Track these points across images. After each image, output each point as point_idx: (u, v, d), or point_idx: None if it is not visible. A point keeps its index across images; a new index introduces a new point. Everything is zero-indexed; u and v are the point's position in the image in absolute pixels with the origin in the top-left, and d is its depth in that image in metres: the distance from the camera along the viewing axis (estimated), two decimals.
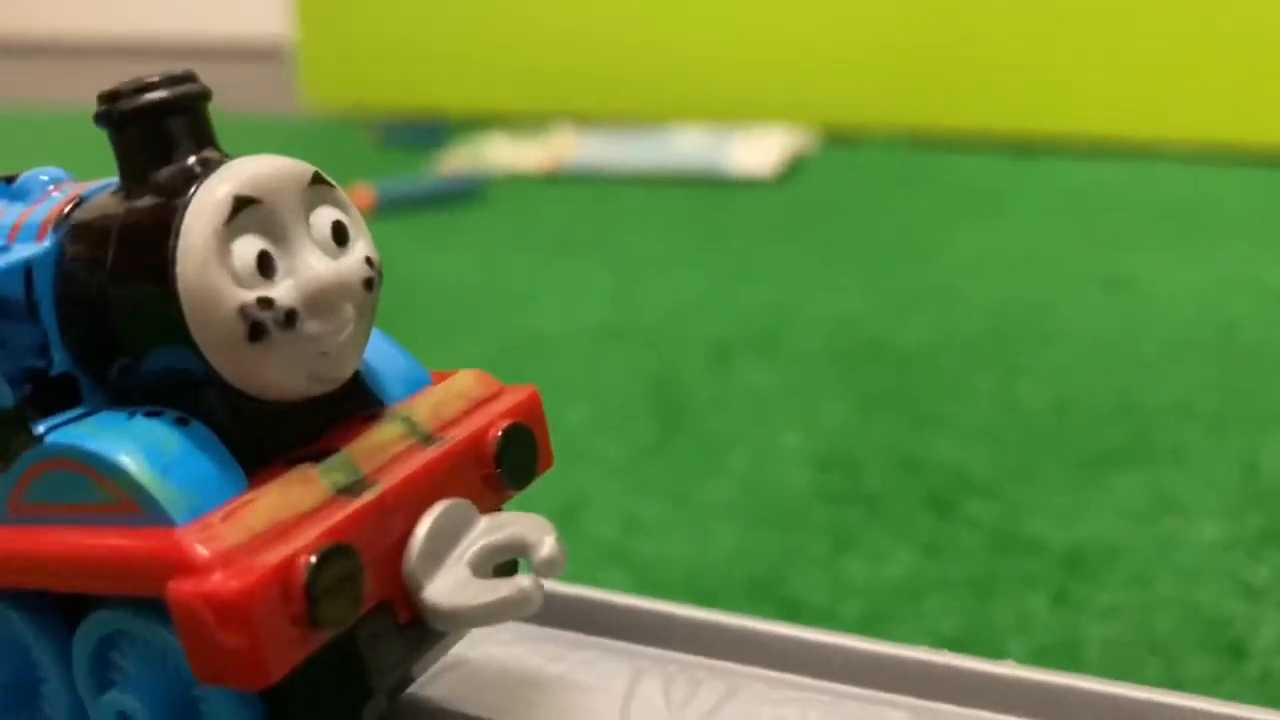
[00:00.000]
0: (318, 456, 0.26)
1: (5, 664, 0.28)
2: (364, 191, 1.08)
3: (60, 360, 0.27)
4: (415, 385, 0.29)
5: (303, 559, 0.23)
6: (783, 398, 0.67)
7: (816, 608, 0.47)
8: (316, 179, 0.26)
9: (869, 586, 0.48)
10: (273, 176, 0.26)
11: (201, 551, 0.23)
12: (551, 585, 0.34)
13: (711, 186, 1.16)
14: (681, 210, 1.09)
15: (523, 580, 0.25)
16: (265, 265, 0.25)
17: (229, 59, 2.00)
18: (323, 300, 0.25)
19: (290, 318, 0.25)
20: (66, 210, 0.27)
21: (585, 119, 1.41)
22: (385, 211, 1.08)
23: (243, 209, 0.25)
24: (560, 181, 1.21)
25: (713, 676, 0.32)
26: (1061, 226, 0.98)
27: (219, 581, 0.22)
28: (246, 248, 0.25)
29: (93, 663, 0.26)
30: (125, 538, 0.24)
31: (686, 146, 1.26)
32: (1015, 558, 0.49)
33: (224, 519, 0.24)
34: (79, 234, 0.26)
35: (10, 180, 0.30)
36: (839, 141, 1.30)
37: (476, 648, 0.34)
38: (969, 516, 0.53)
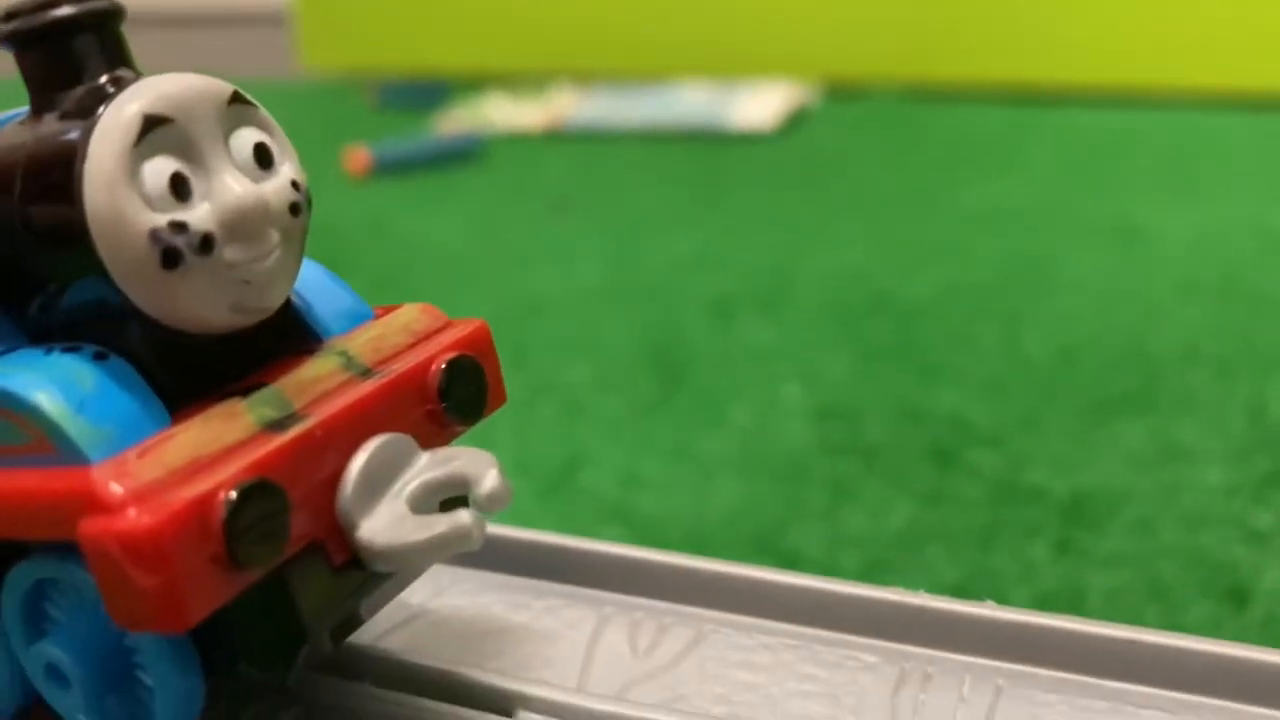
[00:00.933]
0: (247, 391, 0.25)
1: None
2: (361, 154, 1.08)
3: None
4: (356, 320, 0.28)
5: (221, 495, 0.22)
6: (784, 352, 0.67)
7: (816, 560, 0.47)
8: (236, 98, 0.25)
9: (869, 538, 0.48)
10: (187, 94, 0.24)
11: (114, 489, 0.21)
12: (514, 531, 0.34)
13: (713, 142, 1.15)
14: (683, 166, 1.09)
15: (462, 515, 0.24)
16: (179, 187, 0.23)
17: (229, 25, 1.99)
18: (243, 224, 0.24)
19: (206, 242, 0.23)
20: None
21: (585, 77, 1.40)
22: (384, 173, 1.07)
23: (154, 128, 0.23)
24: (560, 140, 1.20)
25: (680, 622, 0.31)
26: (1066, 176, 0.97)
27: (131, 519, 0.21)
28: (158, 169, 0.23)
29: (24, 614, 0.25)
30: (38, 478, 0.23)
31: (687, 102, 1.25)
32: (1017, 507, 0.49)
33: (140, 455, 0.22)
34: None
35: None
36: (841, 94, 1.29)
37: (439, 597, 0.33)
38: (971, 467, 0.53)
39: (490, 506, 0.24)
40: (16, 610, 0.25)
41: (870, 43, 1.32)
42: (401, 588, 0.28)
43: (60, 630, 0.25)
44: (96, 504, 0.21)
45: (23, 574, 0.25)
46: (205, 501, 0.22)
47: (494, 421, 0.61)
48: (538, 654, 0.31)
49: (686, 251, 0.85)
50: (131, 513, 0.21)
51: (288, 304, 0.26)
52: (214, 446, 0.23)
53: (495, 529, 0.34)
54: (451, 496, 0.25)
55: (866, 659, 0.30)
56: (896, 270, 0.78)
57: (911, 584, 0.45)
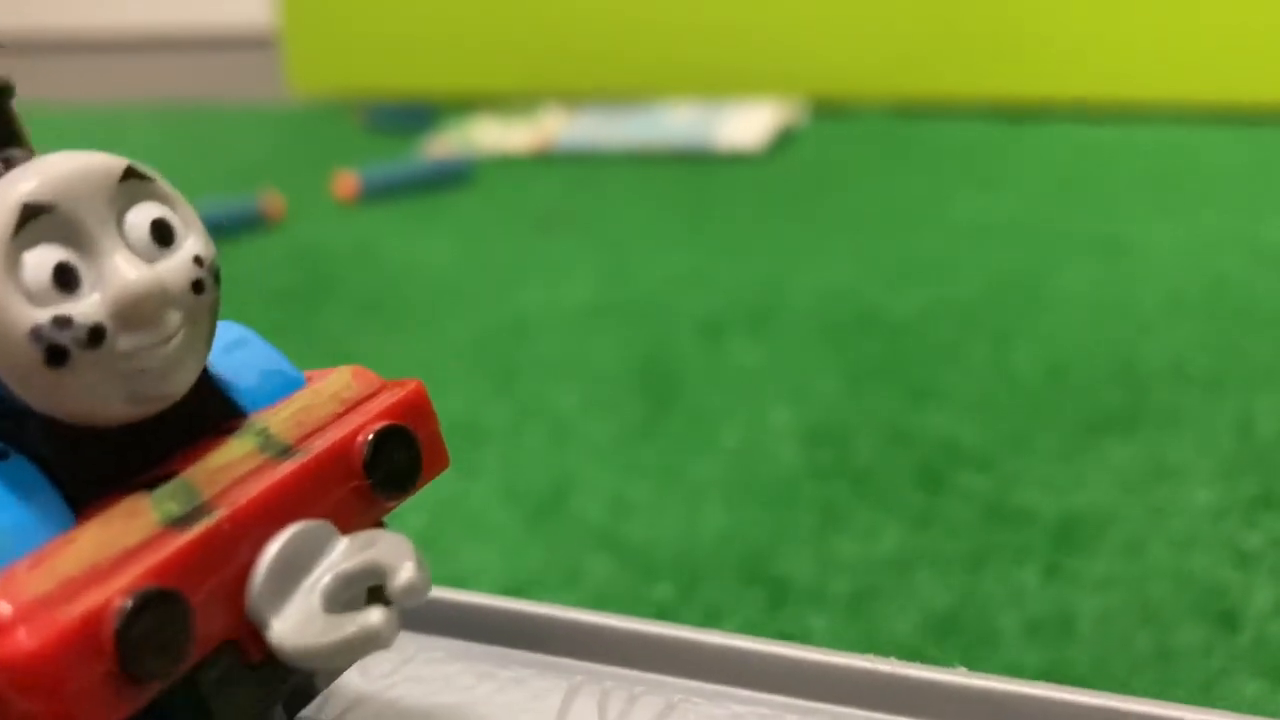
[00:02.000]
0: (154, 484, 0.23)
1: None
2: (350, 179, 1.07)
3: None
4: (285, 390, 0.27)
5: (113, 607, 0.21)
6: (773, 373, 0.67)
7: (805, 585, 0.46)
8: (130, 173, 0.24)
9: (859, 563, 0.47)
10: (73, 176, 0.23)
11: (1, 608, 0.20)
12: (481, 599, 0.33)
13: (701, 162, 1.15)
14: (670, 187, 1.08)
15: (372, 615, 0.22)
16: (65, 278, 0.22)
17: (216, 48, 1.99)
18: (136, 312, 0.22)
19: (95, 335, 0.22)
20: None
21: (573, 98, 1.40)
22: (372, 197, 1.07)
23: (35, 216, 0.22)
24: (549, 161, 1.20)
25: (650, 691, 0.31)
26: (1053, 191, 0.97)
27: (15, 642, 0.20)
28: (40, 260, 0.22)
29: None
30: None
31: (675, 122, 1.25)
32: (1007, 530, 0.49)
33: (31, 567, 0.21)
34: None
35: None
36: (829, 112, 1.29)
37: (403, 668, 0.32)
38: (960, 489, 0.52)
39: (406, 600, 0.23)
40: None
41: (857, 60, 1.32)
42: (337, 675, 0.27)
43: None
44: None
45: None
46: (95, 617, 0.20)
47: (480, 447, 0.61)
48: None
49: (675, 272, 0.85)
50: (17, 634, 0.20)
51: (204, 380, 0.25)
52: (112, 550, 0.22)
53: (460, 595, 0.33)
54: (373, 585, 0.24)
55: None
56: (885, 288, 0.78)
57: (902, 609, 0.45)
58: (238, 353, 0.26)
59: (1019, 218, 0.91)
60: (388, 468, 0.26)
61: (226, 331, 0.27)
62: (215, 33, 1.96)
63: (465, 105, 1.41)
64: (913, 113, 1.26)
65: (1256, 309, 0.70)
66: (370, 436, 0.25)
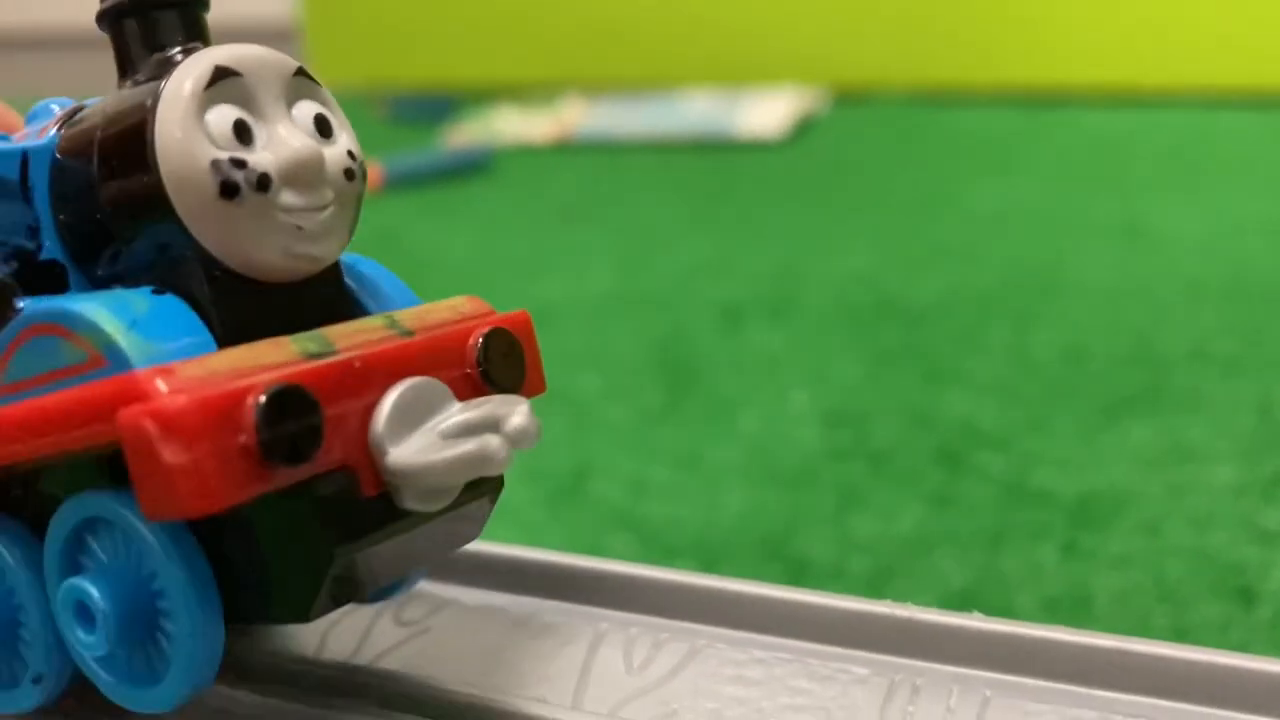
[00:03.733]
0: (294, 333, 0.26)
1: None
2: (373, 168, 1.08)
3: (50, 247, 0.27)
4: (404, 304, 0.29)
5: (257, 390, 0.23)
6: (793, 358, 0.67)
7: (825, 565, 0.47)
8: (301, 72, 0.27)
9: (877, 542, 0.48)
10: (256, 56, 0.26)
11: (157, 383, 0.22)
12: (511, 549, 0.34)
13: (721, 150, 1.16)
14: (691, 175, 1.09)
15: (489, 438, 0.24)
16: (242, 132, 0.25)
17: (238, 40, 1.99)
18: (300, 172, 0.25)
19: (264, 181, 0.25)
20: (70, 114, 0.28)
21: (594, 87, 1.40)
22: (395, 187, 1.08)
23: (223, 78, 0.25)
24: (569, 150, 1.21)
25: (675, 638, 0.31)
26: (1072, 176, 0.97)
27: (167, 398, 0.22)
28: (223, 114, 0.25)
29: (64, 551, 0.26)
30: (89, 388, 0.24)
31: (695, 111, 1.26)
32: (1025, 509, 0.49)
33: (184, 363, 0.23)
34: (74, 128, 0.27)
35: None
36: (849, 100, 1.29)
37: (434, 615, 0.33)
38: (979, 469, 0.53)
39: (518, 440, 0.25)
40: (58, 547, 0.26)
41: (876, 48, 1.32)
42: (429, 560, 0.29)
43: (98, 570, 0.26)
44: (138, 396, 0.22)
45: (70, 510, 0.26)
46: (241, 394, 0.22)
47: None
48: (534, 671, 0.31)
49: (695, 259, 0.85)
50: (172, 396, 0.22)
51: (340, 278, 0.28)
52: (255, 362, 0.24)
53: (492, 546, 0.34)
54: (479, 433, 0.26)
55: (858, 672, 0.30)
56: (904, 274, 0.78)
57: (920, 588, 0.45)
58: (366, 270, 0.29)
59: (1038, 203, 0.91)
60: (495, 363, 0.28)
61: (357, 259, 0.29)
62: (237, 26, 1.97)
63: (486, 96, 1.42)
64: (931, 100, 1.26)
65: (1276, 292, 0.70)
66: (483, 333, 0.28)
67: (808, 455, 0.55)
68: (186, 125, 0.25)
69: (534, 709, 0.28)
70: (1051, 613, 0.43)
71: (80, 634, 0.25)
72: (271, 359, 0.24)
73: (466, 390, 0.27)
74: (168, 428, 0.22)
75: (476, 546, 0.33)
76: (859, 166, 1.07)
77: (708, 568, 0.47)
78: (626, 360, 0.68)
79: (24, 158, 0.27)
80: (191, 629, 0.25)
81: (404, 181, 1.09)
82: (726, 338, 0.71)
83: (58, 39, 2.34)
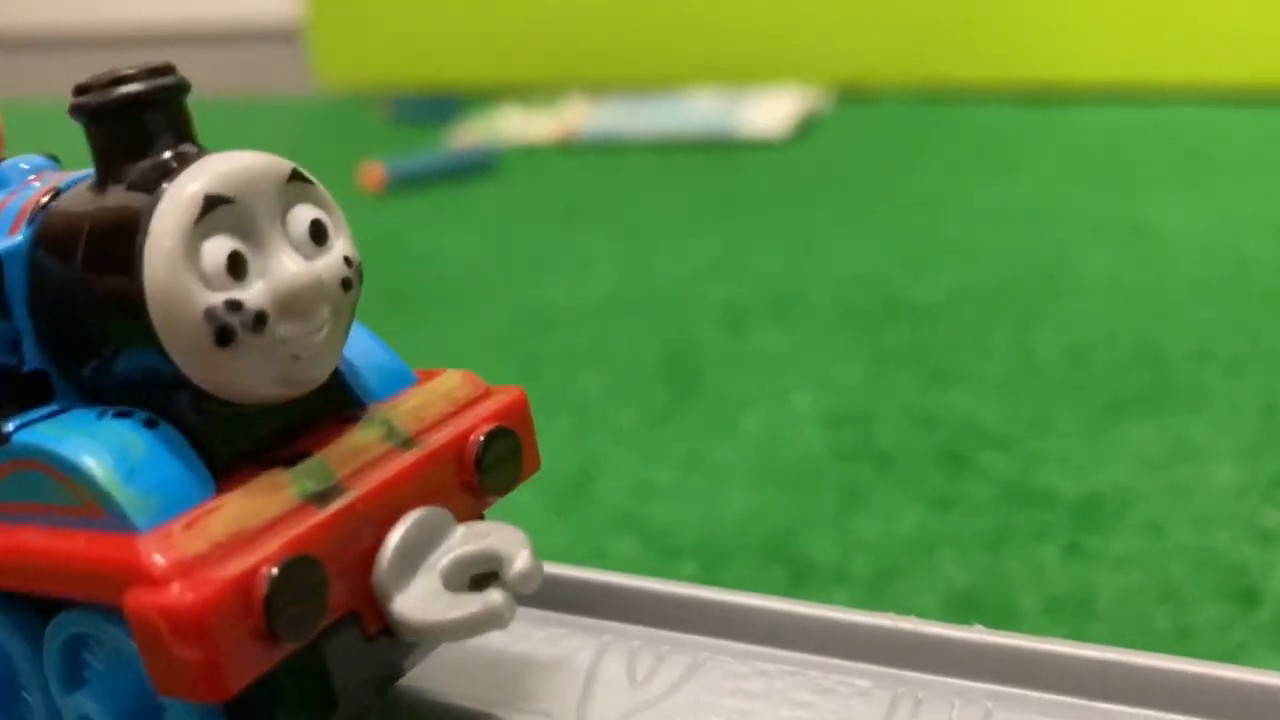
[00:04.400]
0: (291, 460, 0.25)
1: None
2: (376, 169, 1.08)
3: (32, 357, 0.26)
4: (399, 384, 0.29)
5: (263, 571, 0.22)
6: (796, 358, 0.67)
7: (827, 566, 0.47)
8: (295, 176, 0.26)
9: (880, 543, 0.48)
10: (247, 173, 0.25)
11: (159, 561, 0.22)
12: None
13: (724, 149, 1.16)
14: (694, 175, 1.09)
15: (493, 596, 0.24)
16: (236, 266, 0.24)
17: (243, 42, 2.00)
18: (295, 302, 0.24)
19: (260, 320, 0.24)
20: (43, 202, 0.27)
21: (597, 87, 1.41)
22: (398, 188, 1.08)
23: (214, 208, 0.24)
24: (573, 151, 1.21)
25: (677, 650, 0.32)
26: (1076, 175, 0.97)
27: (175, 594, 0.22)
28: (217, 248, 0.24)
29: (62, 662, 0.26)
30: (87, 542, 0.23)
31: (699, 110, 1.26)
32: (1027, 509, 0.49)
33: (185, 528, 0.23)
34: (52, 228, 0.26)
35: None
36: (852, 99, 1.29)
37: None
38: (981, 470, 0.53)
39: (522, 586, 0.25)
40: (56, 657, 0.26)
41: (880, 47, 1.32)
42: (430, 650, 0.29)
43: (96, 683, 0.26)
44: (142, 575, 0.22)
45: (64, 624, 0.26)
46: (247, 578, 0.22)
47: None
48: (538, 685, 0.31)
49: (699, 260, 0.85)
50: (175, 588, 0.22)
51: (333, 370, 0.27)
52: (257, 520, 0.24)
53: None
54: (485, 571, 0.26)
55: (860, 684, 0.30)
56: (908, 273, 0.78)
57: (923, 588, 0.45)
58: (357, 345, 0.28)
59: (1041, 202, 0.91)
60: (494, 466, 0.28)
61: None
62: (242, 27, 1.98)
63: (489, 96, 1.42)
64: (935, 98, 1.26)
65: (1279, 291, 0.70)
66: (482, 436, 0.27)
67: (811, 456, 0.56)
68: (177, 267, 0.24)
69: None
70: (1054, 613, 0.43)
71: None
72: (272, 511, 0.24)
73: (465, 496, 0.27)
74: (177, 626, 0.22)
75: None
76: (863, 165, 1.07)
77: (710, 569, 0.48)
78: (630, 361, 0.69)
79: None
80: None
81: (408, 182, 1.09)
82: (730, 338, 0.71)
83: (56, 39, 2.34)
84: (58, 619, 0.26)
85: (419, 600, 0.25)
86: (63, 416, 0.25)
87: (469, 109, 1.38)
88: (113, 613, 0.24)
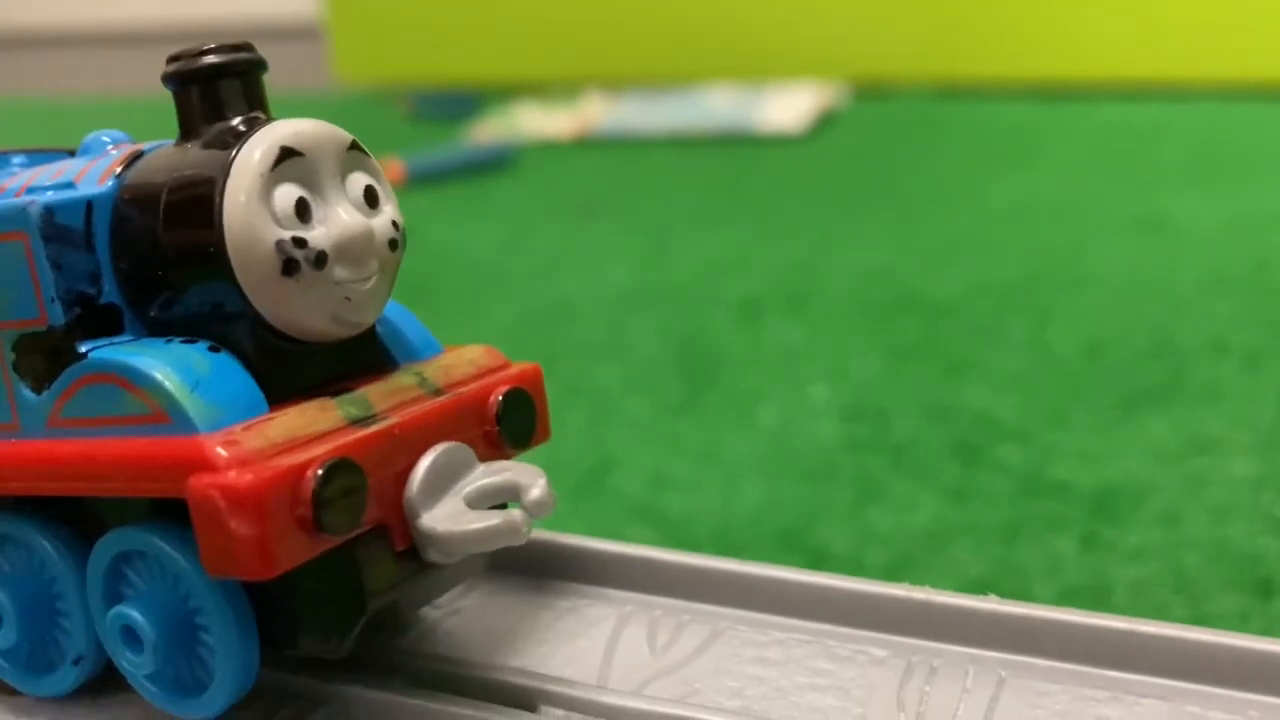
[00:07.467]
0: (336, 394, 0.28)
1: (27, 581, 0.30)
2: (395, 165, 1.09)
3: (109, 290, 0.29)
4: (429, 352, 0.32)
5: (313, 467, 0.25)
6: (813, 352, 0.67)
7: (842, 557, 0.47)
8: (354, 146, 0.29)
9: (895, 534, 0.48)
10: (315, 135, 0.28)
11: (222, 453, 0.25)
12: (538, 534, 0.35)
13: (742, 145, 1.16)
14: (712, 170, 1.09)
15: (514, 513, 0.27)
16: (303, 211, 0.27)
17: (262, 38, 2.00)
18: (351, 248, 0.28)
19: (321, 259, 0.27)
20: (128, 157, 0.30)
21: (614, 83, 1.41)
22: (417, 183, 1.09)
23: (287, 158, 0.27)
24: (590, 146, 1.21)
25: (697, 620, 0.32)
26: (1092, 170, 0.97)
27: (235, 476, 0.24)
28: (287, 193, 0.27)
29: (106, 578, 0.28)
30: (155, 444, 0.26)
31: (716, 106, 1.26)
32: (1044, 501, 0.49)
33: (245, 429, 0.26)
34: (136, 179, 0.29)
35: (74, 153, 0.33)
36: (870, 94, 1.29)
37: (463, 597, 0.34)
38: (998, 462, 0.53)
39: (536, 512, 0.28)
40: (99, 576, 0.28)
41: (897, 42, 1.32)
42: (442, 589, 0.31)
43: (138, 596, 0.28)
44: (205, 465, 0.25)
45: (109, 544, 0.28)
46: (299, 470, 0.25)
47: None
48: (560, 652, 0.32)
49: (715, 254, 0.85)
50: (234, 472, 0.25)
51: (374, 330, 0.31)
52: (307, 431, 0.27)
53: None
54: (501, 503, 0.29)
55: (876, 653, 0.30)
56: (925, 268, 0.78)
57: (937, 580, 0.45)
58: (393, 317, 0.32)
59: (1058, 197, 0.91)
60: (512, 422, 0.31)
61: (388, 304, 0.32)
62: (262, 24, 1.99)
63: (508, 92, 1.43)
64: (952, 94, 1.26)
65: None
66: (502, 394, 0.31)
67: (827, 448, 0.56)
68: (253, 205, 0.27)
69: (560, 688, 0.29)
70: (1069, 604, 0.42)
71: (129, 655, 0.28)
72: (321, 426, 0.27)
73: (486, 445, 0.30)
74: (235, 502, 0.24)
75: None
76: (880, 161, 1.07)
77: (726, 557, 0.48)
78: (647, 354, 0.69)
79: (88, 206, 0.29)
80: (229, 650, 0.27)
81: (426, 178, 1.10)
82: (746, 332, 0.71)
83: (57, 39, 2.36)
84: (104, 539, 0.28)
85: (444, 516, 0.27)
86: (134, 342, 0.29)
87: (487, 105, 1.38)
88: (155, 528, 0.27)
